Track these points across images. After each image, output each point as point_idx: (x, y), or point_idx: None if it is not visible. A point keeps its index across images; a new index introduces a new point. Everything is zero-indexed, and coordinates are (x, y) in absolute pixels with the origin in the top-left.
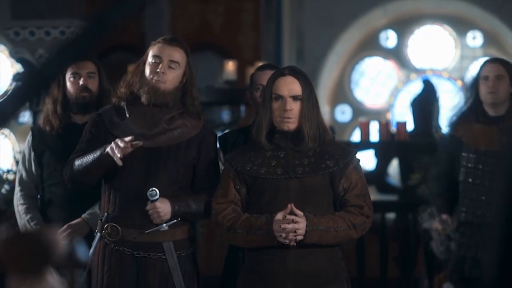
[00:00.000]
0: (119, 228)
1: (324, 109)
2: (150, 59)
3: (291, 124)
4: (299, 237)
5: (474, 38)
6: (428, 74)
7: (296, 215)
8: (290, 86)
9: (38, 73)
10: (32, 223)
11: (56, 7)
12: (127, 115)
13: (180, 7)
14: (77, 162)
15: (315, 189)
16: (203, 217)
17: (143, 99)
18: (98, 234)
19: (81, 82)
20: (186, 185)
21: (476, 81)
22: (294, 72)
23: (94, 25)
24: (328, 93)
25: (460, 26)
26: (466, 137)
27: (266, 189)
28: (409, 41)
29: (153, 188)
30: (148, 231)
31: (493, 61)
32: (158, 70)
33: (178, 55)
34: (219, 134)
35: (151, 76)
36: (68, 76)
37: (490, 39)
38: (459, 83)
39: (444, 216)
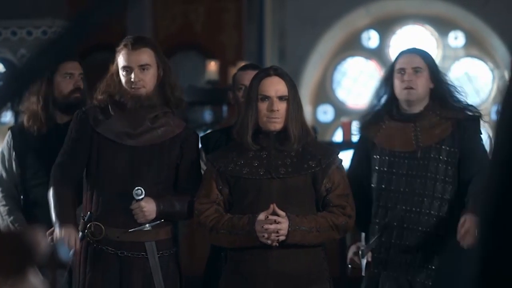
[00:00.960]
0: (102, 227)
1: (306, 109)
2: (120, 71)
3: (278, 124)
4: (281, 238)
5: (456, 38)
6: None
7: (278, 215)
8: (277, 87)
9: (19, 73)
10: (15, 225)
11: (38, 7)
12: (112, 114)
13: (162, 7)
14: (50, 195)
15: (297, 189)
16: (187, 217)
17: (129, 105)
18: (81, 233)
19: (74, 83)
20: (169, 185)
21: (390, 74)
22: (279, 72)
23: (76, 25)
24: (310, 93)
25: (442, 26)
26: (379, 138)
27: (248, 189)
28: (391, 41)
29: (139, 187)
30: (132, 230)
31: (410, 51)
32: (133, 79)
33: (145, 57)
34: (201, 134)
35: (128, 86)
36: (61, 75)
37: (472, 39)
38: None
39: (354, 248)
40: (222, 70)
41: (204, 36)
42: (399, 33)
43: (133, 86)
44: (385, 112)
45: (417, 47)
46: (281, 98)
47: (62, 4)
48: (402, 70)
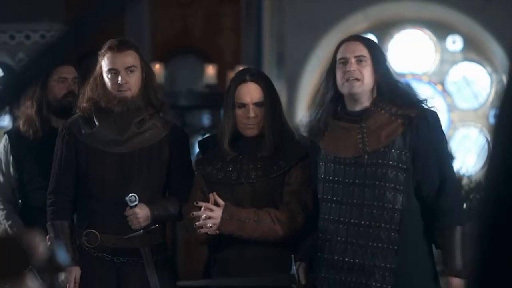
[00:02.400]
0: (98, 234)
1: (305, 113)
2: (106, 74)
3: (254, 130)
4: (212, 225)
5: (454, 42)
6: (408, 78)
7: (218, 205)
8: (253, 94)
9: (17, 76)
10: (13, 229)
11: (36, 11)
12: (97, 123)
13: (161, 11)
14: (48, 227)
15: (267, 193)
16: (181, 218)
17: (117, 109)
18: (77, 241)
19: (67, 87)
20: (162, 187)
21: (332, 67)
22: (255, 77)
23: (74, 29)
24: (309, 97)
25: (440, 30)
26: (323, 142)
27: (222, 194)
28: (389, 45)
29: (132, 194)
30: (127, 236)
31: (351, 39)
32: (119, 81)
33: (131, 59)
34: (199, 138)
35: (114, 89)
36: (54, 79)
37: (470, 43)
38: (439, 87)
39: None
40: (220, 74)
41: (202, 40)
42: (397, 37)
43: (120, 89)
44: (329, 112)
45: (360, 34)
46: (257, 104)
47: (60, 8)
48: (344, 60)
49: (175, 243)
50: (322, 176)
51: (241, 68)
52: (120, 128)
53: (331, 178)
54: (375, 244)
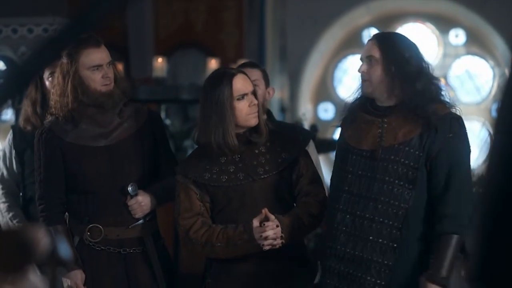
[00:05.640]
0: (101, 228)
1: (307, 107)
2: (87, 71)
3: (257, 118)
4: (280, 241)
5: (456, 36)
6: None
7: (269, 219)
8: (246, 82)
9: (19, 70)
10: (14, 221)
11: (39, 5)
12: (79, 121)
13: (163, 5)
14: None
15: (277, 185)
16: None
17: (107, 104)
18: (77, 238)
19: None
20: (152, 171)
21: None
22: (240, 68)
23: (76, 23)
24: (311, 91)
25: (443, 24)
26: (348, 133)
27: (232, 196)
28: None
29: (132, 183)
30: (132, 225)
31: (371, 38)
32: (105, 76)
33: (108, 53)
34: None
35: (99, 84)
36: (46, 76)
37: (472, 37)
38: (442, 81)
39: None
40: None
41: (205, 34)
42: (400, 31)
43: (105, 83)
44: (359, 105)
45: (386, 31)
46: (252, 92)
47: (62, 2)
48: (361, 59)
49: (177, 238)
50: (340, 165)
51: (243, 61)
52: (104, 121)
53: (347, 168)
54: (375, 239)
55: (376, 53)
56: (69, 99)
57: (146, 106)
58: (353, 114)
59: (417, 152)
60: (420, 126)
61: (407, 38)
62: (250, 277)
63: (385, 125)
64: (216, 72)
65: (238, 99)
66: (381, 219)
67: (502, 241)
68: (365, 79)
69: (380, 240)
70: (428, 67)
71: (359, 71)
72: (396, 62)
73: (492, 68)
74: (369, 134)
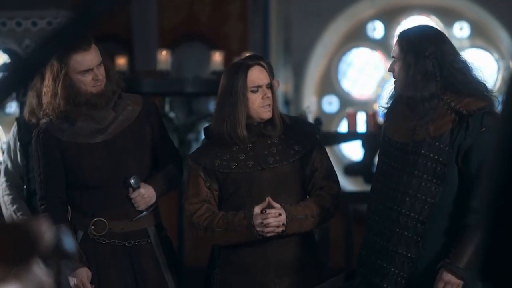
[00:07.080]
0: (106, 221)
1: (312, 100)
2: (78, 75)
3: (270, 112)
4: (281, 229)
5: (461, 29)
6: None
7: (273, 207)
8: (262, 75)
9: (23, 63)
10: (18, 214)
11: None
12: (74, 119)
13: None
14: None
15: (287, 177)
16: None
17: (100, 105)
18: (81, 233)
19: None
20: (152, 161)
21: None
22: (257, 60)
23: (80, 16)
24: (315, 84)
25: (447, 17)
26: (386, 123)
27: (240, 183)
28: (396, 32)
29: (134, 176)
30: (136, 218)
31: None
32: (98, 77)
33: (97, 53)
34: (206, 124)
35: (90, 86)
36: None
37: (477, 30)
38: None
39: None
40: (227, 61)
41: (209, 27)
42: (404, 23)
43: (97, 85)
44: (401, 96)
45: (412, 27)
46: (267, 86)
47: None
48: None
49: (180, 230)
50: (379, 155)
51: (247, 54)
52: (99, 116)
53: (383, 158)
54: (401, 231)
55: (398, 53)
56: (61, 101)
57: (140, 96)
58: (394, 105)
59: (447, 148)
60: (452, 121)
61: (430, 30)
62: (258, 268)
63: (418, 119)
64: (234, 63)
65: (252, 91)
66: (407, 212)
67: (506, 238)
68: (394, 77)
69: (406, 233)
70: (457, 58)
71: (389, 70)
72: (414, 58)
73: (497, 61)
74: (404, 126)
